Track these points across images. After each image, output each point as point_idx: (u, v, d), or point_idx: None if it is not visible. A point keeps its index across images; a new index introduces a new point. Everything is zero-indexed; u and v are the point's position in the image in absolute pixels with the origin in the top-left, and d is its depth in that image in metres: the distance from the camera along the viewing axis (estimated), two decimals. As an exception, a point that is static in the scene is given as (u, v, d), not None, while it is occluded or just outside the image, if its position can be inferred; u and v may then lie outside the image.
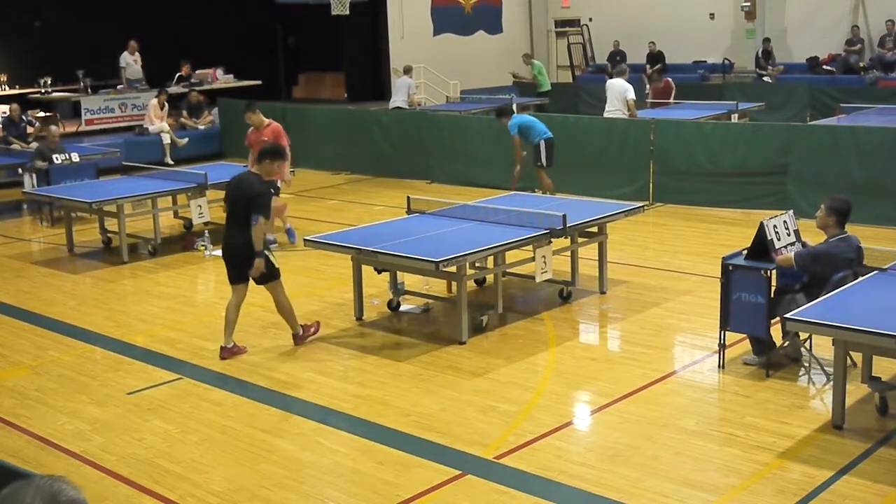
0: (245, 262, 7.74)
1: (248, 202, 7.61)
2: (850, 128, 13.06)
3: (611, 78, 16.22)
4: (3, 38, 20.59)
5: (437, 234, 8.77)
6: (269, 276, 7.83)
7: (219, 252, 11.41)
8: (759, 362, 7.35)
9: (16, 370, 7.96)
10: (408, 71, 19.53)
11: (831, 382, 6.55)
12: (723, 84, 21.15)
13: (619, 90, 15.32)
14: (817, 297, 6.64)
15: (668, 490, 5.56)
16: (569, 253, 9.32)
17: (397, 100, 19.11)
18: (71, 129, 18.30)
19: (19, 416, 6.96)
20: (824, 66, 21.29)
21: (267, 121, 11.72)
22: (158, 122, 17.77)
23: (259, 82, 21.38)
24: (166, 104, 18.04)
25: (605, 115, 15.35)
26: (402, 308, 9.11)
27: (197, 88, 19.73)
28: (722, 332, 7.38)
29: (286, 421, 6.78)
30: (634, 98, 15.30)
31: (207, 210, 11.62)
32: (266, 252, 7.73)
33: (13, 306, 9.75)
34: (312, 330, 8.24)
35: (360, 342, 8.39)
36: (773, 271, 7.15)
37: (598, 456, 6.05)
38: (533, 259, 8.54)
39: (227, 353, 7.97)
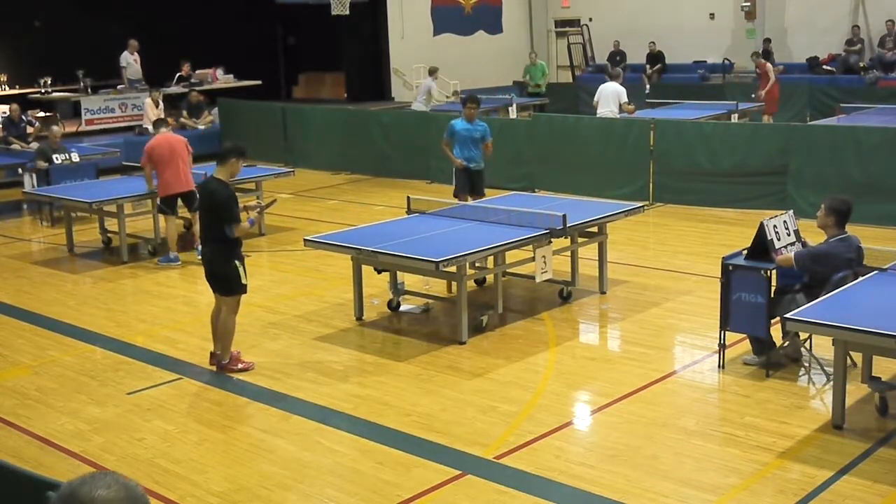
0: (212, 274, 7.59)
1: (213, 213, 7.41)
2: (850, 128, 13.06)
3: (607, 80, 16.28)
4: (3, 38, 20.59)
5: (437, 234, 8.77)
6: (232, 288, 7.52)
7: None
8: (759, 362, 7.35)
9: (16, 370, 7.96)
10: (432, 72, 19.37)
11: (831, 382, 6.55)
12: (723, 84, 21.16)
13: (613, 93, 15.53)
14: (817, 297, 6.64)
15: (668, 490, 5.56)
16: (569, 253, 9.33)
17: (418, 102, 19.05)
18: (71, 129, 18.29)
19: (19, 416, 6.96)
20: (824, 66, 21.28)
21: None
22: (158, 122, 17.77)
23: (259, 82, 21.39)
24: (160, 102, 18.05)
25: (598, 116, 15.49)
26: (402, 308, 9.12)
27: (197, 88, 19.73)
28: (722, 332, 7.38)
29: (286, 421, 6.77)
30: (628, 101, 15.46)
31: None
32: (234, 261, 7.43)
33: (13, 306, 9.75)
34: (241, 366, 7.67)
35: (360, 342, 8.39)
36: (773, 271, 7.15)
37: (598, 456, 6.05)
38: (533, 259, 8.54)
39: (216, 359, 7.90)
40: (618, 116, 15.30)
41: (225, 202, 7.35)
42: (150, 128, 17.66)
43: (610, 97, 15.54)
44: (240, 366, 7.67)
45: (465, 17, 24.19)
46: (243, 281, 7.52)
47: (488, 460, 6.04)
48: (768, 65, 18.75)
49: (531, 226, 8.69)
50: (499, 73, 23.71)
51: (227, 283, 7.55)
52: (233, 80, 21.33)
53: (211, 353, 7.87)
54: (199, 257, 10.99)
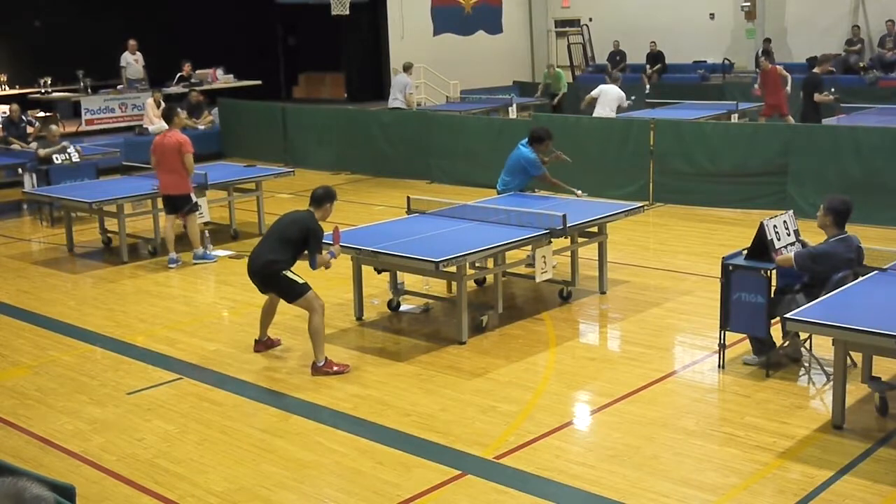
0: (265, 278, 7.64)
1: (304, 234, 7.53)
2: (850, 128, 13.06)
3: (606, 83, 16.34)
4: (3, 38, 20.60)
5: (437, 234, 8.77)
6: (296, 292, 7.54)
7: (219, 252, 11.46)
8: (759, 362, 7.35)
9: (16, 370, 7.96)
10: (407, 69, 19.37)
11: (831, 382, 6.55)
12: (723, 84, 21.15)
13: (615, 97, 15.63)
14: (817, 297, 6.64)
15: (668, 490, 5.56)
16: (569, 253, 9.32)
17: (395, 99, 18.98)
18: (71, 129, 18.30)
19: (19, 416, 6.96)
20: (824, 66, 21.27)
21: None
22: (158, 122, 17.76)
23: (259, 82, 21.40)
24: (162, 102, 18.06)
25: (595, 115, 15.62)
26: (402, 308, 9.12)
27: (197, 88, 19.73)
28: (722, 332, 7.37)
29: (286, 421, 6.78)
30: (628, 104, 15.71)
31: (207, 210, 11.60)
32: (285, 272, 7.52)
33: (13, 306, 9.75)
34: (336, 368, 7.58)
35: (360, 342, 8.39)
36: (773, 271, 7.15)
37: (598, 456, 6.05)
38: (533, 259, 8.54)
39: (260, 346, 8.09)
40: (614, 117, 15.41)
41: (318, 232, 7.59)
42: (150, 128, 17.78)
43: (613, 100, 15.63)
44: (335, 368, 7.58)
45: (465, 17, 24.20)
46: (300, 281, 7.55)
47: (488, 460, 6.04)
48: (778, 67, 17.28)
49: (531, 226, 8.68)
50: (499, 73, 23.72)
51: (286, 291, 7.60)
52: (233, 80, 21.34)
53: (256, 341, 8.11)
54: (171, 265, 10.96)
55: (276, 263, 7.52)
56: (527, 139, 10.09)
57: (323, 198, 7.86)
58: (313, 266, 7.68)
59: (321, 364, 7.56)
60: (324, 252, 7.72)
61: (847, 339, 6.09)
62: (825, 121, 15.04)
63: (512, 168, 10.14)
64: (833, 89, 16.55)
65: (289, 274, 7.55)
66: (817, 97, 15.39)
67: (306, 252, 7.66)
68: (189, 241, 11.18)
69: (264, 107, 19.31)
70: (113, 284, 10.55)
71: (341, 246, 7.96)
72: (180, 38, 20.68)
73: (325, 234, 7.75)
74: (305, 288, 7.55)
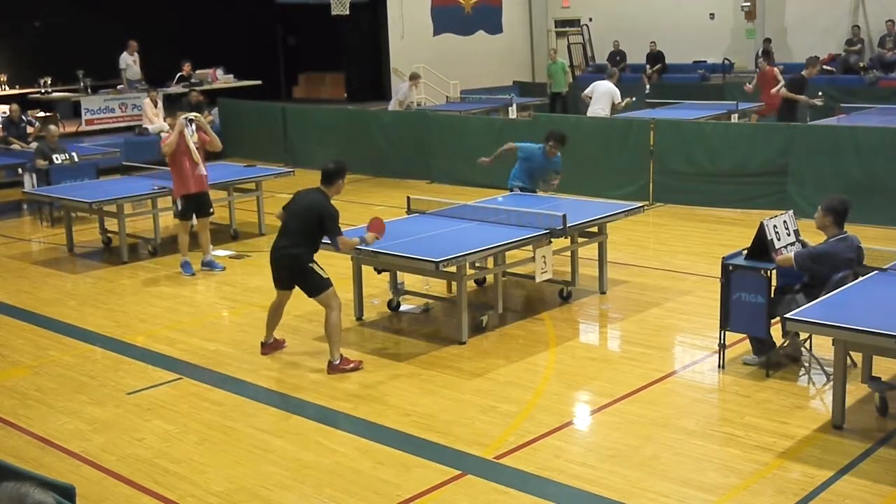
0: (291, 271, 7.62)
1: (320, 219, 7.50)
2: (849, 128, 13.06)
3: (603, 79, 16.40)
4: (3, 38, 20.59)
5: (437, 234, 8.77)
6: (319, 285, 7.54)
7: (220, 252, 11.46)
8: (759, 362, 7.35)
9: (16, 370, 7.96)
10: (413, 78, 19.35)
11: (831, 382, 6.55)
12: (723, 84, 21.15)
13: (607, 92, 15.65)
14: (817, 297, 6.64)
15: (668, 490, 5.56)
16: (569, 253, 9.32)
17: (392, 104, 19.08)
18: (71, 129, 18.30)
19: (19, 416, 6.96)
20: (824, 66, 21.27)
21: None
22: (158, 121, 17.79)
23: (259, 82, 21.40)
24: (158, 101, 18.08)
25: (589, 113, 15.72)
26: (402, 308, 9.12)
27: (197, 88, 19.72)
28: (722, 332, 7.37)
29: (286, 421, 6.78)
30: (621, 100, 15.75)
31: (207, 210, 11.59)
32: (312, 264, 7.55)
33: (13, 306, 9.75)
34: (352, 365, 7.61)
35: (360, 342, 8.38)
36: (773, 271, 7.15)
37: (598, 456, 6.05)
38: (533, 259, 8.54)
39: (267, 348, 8.06)
40: (608, 116, 15.40)
41: (332, 213, 7.56)
42: (150, 128, 17.78)
43: (604, 96, 15.68)
44: (350, 365, 7.60)
45: (465, 17, 24.19)
46: (324, 276, 7.56)
47: (488, 460, 6.04)
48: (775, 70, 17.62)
49: (531, 226, 8.68)
50: (499, 73, 23.71)
51: (310, 284, 7.59)
52: (233, 80, 21.33)
53: (262, 343, 8.07)
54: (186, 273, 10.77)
55: (303, 256, 7.53)
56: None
57: (335, 174, 7.77)
58: (337, 248, 7.66)
59: (337, 362, 7.56)
60: (353, 238, 7.70)
61: (847, 339, 6.09)
62: (825, 121, 15.05)
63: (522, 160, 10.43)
64: (820, 93, 16.59)
65: (315, 267, 7.55)
66: (784, 92, 15.37)
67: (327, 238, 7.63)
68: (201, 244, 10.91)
69: (264, 107, 19.31)
70: (113, 284, 10.55)
71: (376, 235, 7.85)
72: (180, 38, 20.67)
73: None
74: (328, 283, 7.56)
